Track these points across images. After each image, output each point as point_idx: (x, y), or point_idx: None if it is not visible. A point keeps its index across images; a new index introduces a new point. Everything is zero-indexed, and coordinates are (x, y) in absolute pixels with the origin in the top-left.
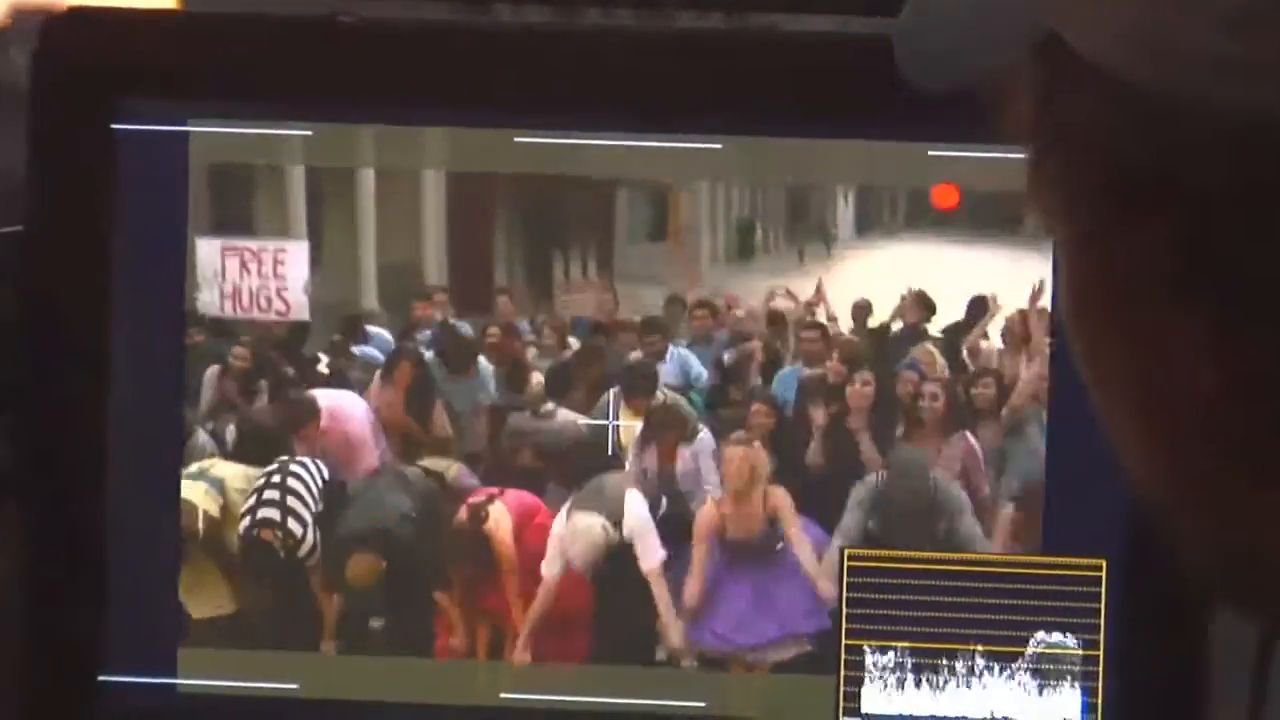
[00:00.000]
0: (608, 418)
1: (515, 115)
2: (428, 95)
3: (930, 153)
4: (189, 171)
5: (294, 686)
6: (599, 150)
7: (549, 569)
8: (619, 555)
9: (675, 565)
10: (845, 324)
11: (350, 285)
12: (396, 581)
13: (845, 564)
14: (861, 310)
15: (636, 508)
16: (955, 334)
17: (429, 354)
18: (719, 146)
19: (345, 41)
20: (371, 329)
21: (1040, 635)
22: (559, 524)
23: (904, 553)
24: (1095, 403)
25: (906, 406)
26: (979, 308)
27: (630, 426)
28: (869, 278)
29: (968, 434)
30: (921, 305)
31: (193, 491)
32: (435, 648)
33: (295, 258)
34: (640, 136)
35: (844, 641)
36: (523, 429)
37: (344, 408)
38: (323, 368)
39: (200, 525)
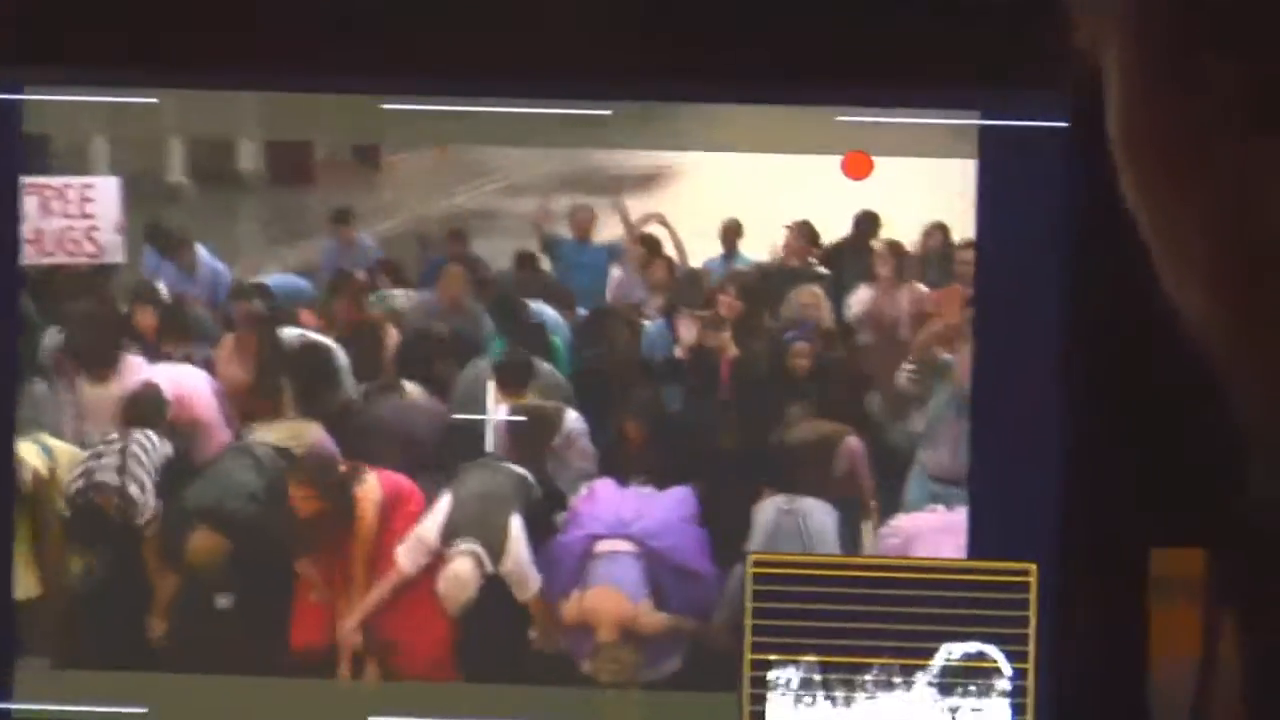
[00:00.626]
0: (482, 408)
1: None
2: (281, 59)
3: (839, 119)
4: (23, 139)
5: (142, 710)
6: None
7: (406, 560)
8: (492, 589)
9: (553, 588)
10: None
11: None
12: (242, 557)
13: (750, 571)
14: (731, 231)
15: (517, 545)
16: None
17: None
18: (609, 112)
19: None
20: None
21: (965, 647)
22: (429, 531)
23: (815, 557)
24: (1161, 254)
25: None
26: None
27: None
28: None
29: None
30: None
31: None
32: (289, 630)
33: (105, 194)
34: (529, 103)
35: (749, 656)
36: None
37: (187, 387)
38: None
39: (31, 486)
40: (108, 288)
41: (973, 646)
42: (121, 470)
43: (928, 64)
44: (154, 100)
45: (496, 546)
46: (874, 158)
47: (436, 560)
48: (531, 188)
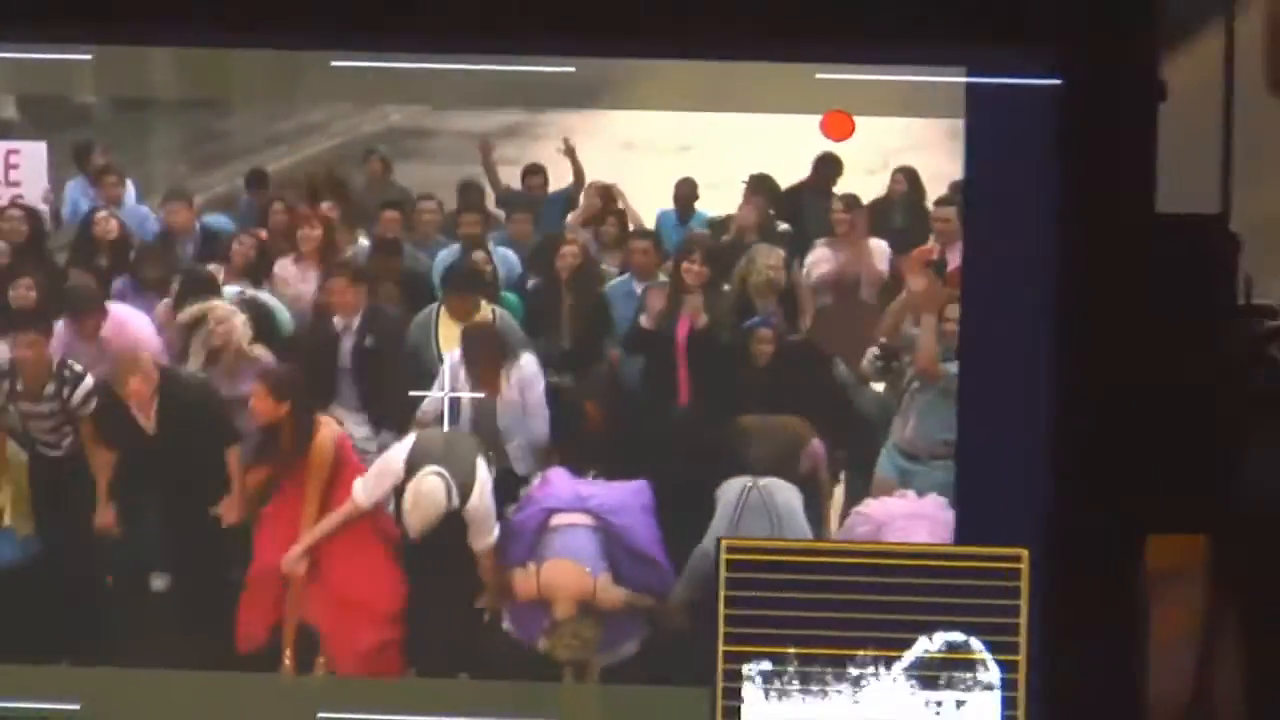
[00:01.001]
0: (430, 332)
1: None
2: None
3: (819, 75)
4: None
5: (75, 707)
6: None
7: (365, 494)
8: (450, 529)
9: (508, 558)
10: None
11: None
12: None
13: (721, 558)
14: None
15: (483, 486)
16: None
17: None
18: (572, 70)
19: None
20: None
21: (950, 637)
22: (394, 461)
23: (789, 542)
24: None
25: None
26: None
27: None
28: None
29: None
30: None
31: None
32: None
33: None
34: (494, 60)
35: (722, 648)
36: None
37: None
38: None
39: None
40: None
41: (956, 636)
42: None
43: (912, 17)
44: (87, 56)
45: (465, 482)
46: (855, 118)
47: (390, 499)
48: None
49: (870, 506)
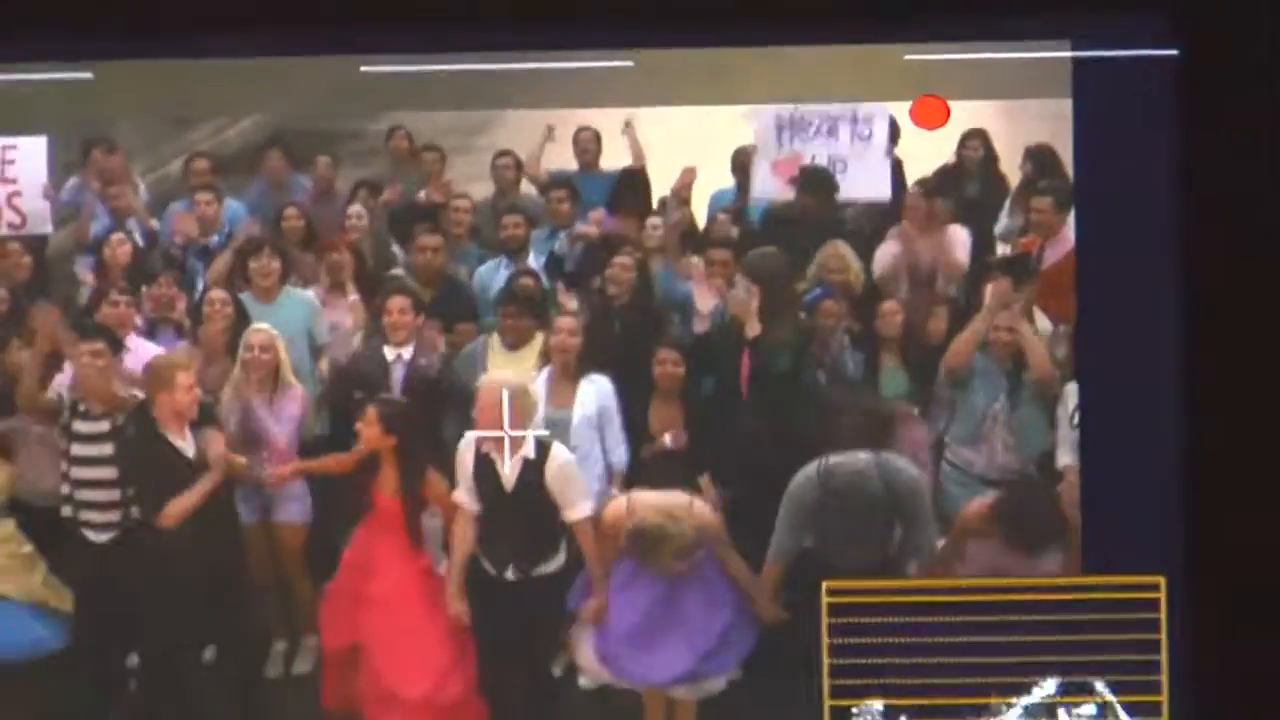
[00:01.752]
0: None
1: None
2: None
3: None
4: None
5: None
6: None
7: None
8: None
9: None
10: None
11: None
12: None
13: (825, 601)
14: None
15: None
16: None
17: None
18: (631, 65)
19: None
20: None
21: (1081, 678)
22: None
23: (897, 583)
24: None
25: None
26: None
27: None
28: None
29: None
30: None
31: None
32: None
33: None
34: (544, 56)
35: (828, 703)
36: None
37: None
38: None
39: None
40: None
41: (1093, 679)
42: None
43: None
44: (88, 75)
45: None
46: (950, 102)
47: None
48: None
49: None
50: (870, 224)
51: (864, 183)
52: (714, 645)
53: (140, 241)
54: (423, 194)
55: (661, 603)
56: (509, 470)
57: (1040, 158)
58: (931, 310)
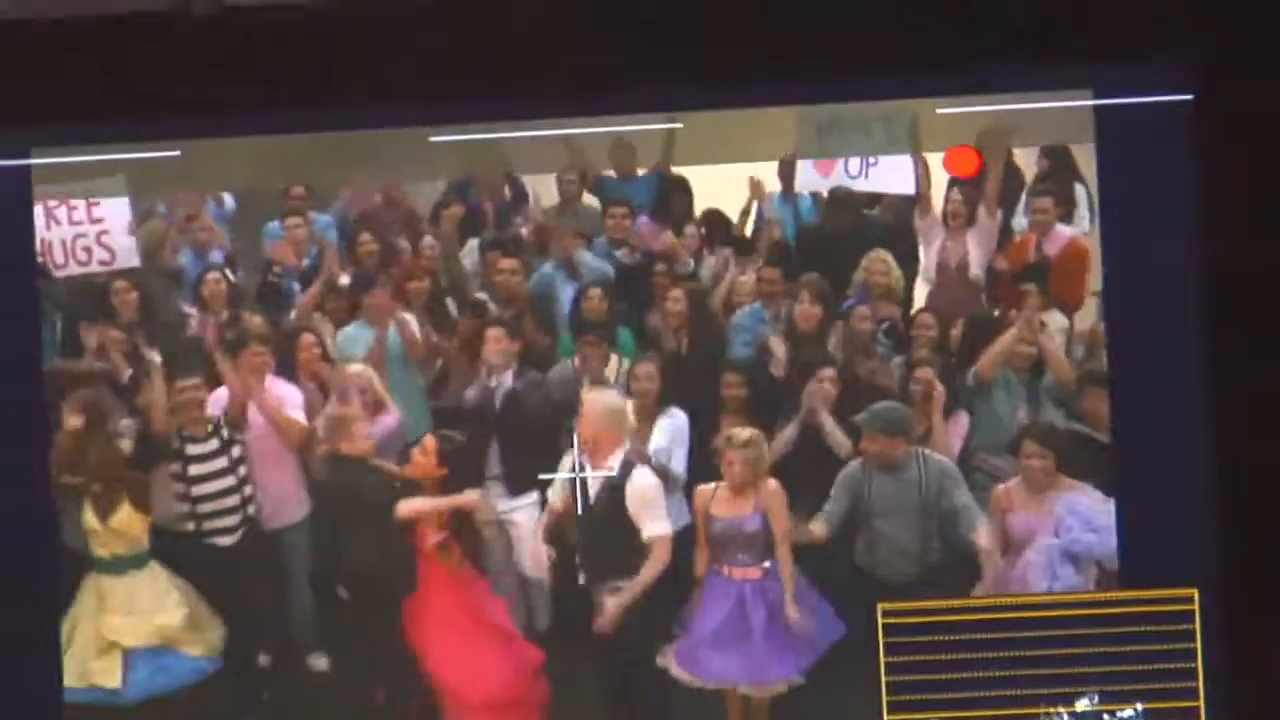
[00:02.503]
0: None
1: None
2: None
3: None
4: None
5: None
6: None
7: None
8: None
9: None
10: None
11: None
12: None
13: (880, 623)
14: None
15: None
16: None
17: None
18: (678, 126)
19: (200, 39)
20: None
21: (1120, 687)
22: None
23: (947, 603)
24: None
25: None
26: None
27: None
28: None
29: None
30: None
31: None
32: None
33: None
34: (587, 122)
35: (886, 717)
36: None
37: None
38: None
39: None
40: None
41: (1135, 688)
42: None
43: (1033, 39)
44: (176, 153)
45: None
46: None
47: None
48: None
49: None
50: (899, 219)
51: (892, 178)
52: (782, 649)
53: (231, 277)
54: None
55: (737, 608)
56: (595, 488)
57: (1055, 155)
58: (958, 314)
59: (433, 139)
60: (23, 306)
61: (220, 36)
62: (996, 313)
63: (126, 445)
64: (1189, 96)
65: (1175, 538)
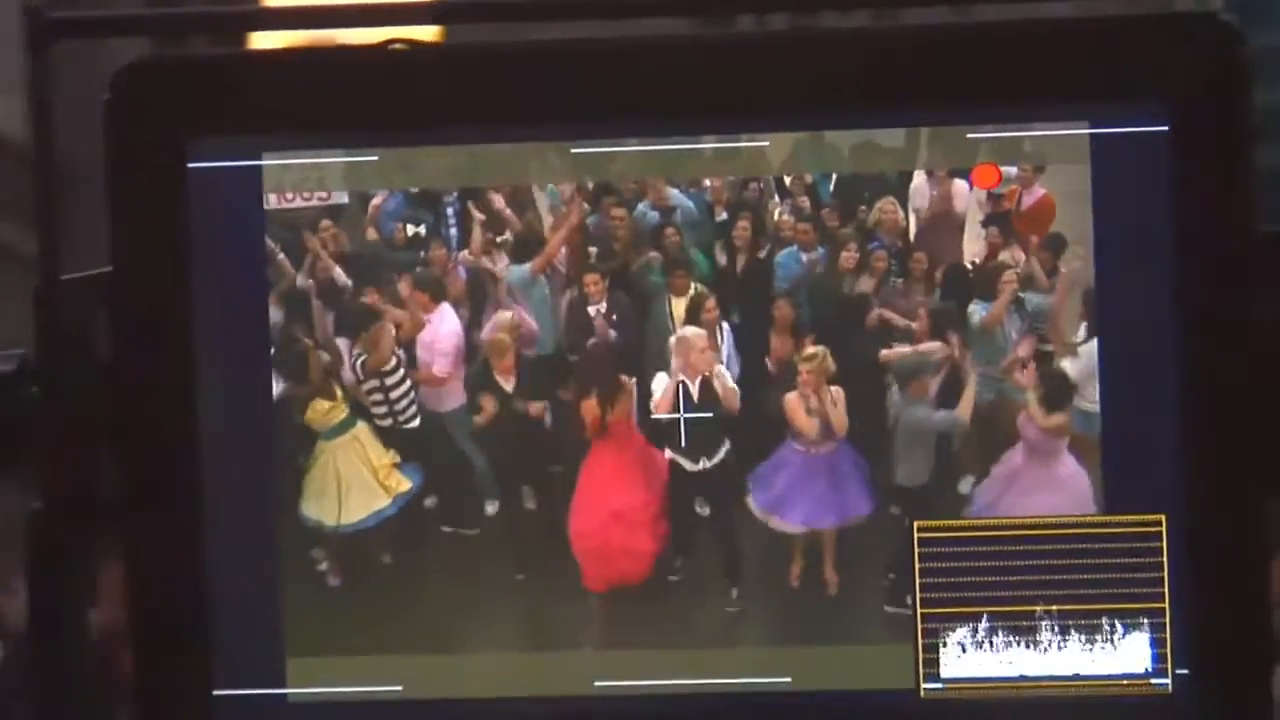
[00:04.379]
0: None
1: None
2: (483, 113)
3: (969, 135)
4: (263, 201)
5: (398, 688)
6: (645, 154)
7: None
8: None
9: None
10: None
11: None
12: None
13: (916, 537)
14: None
15: None
16: None
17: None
18: (766, 144)
19: (398, 69)
20: None
21: (1107, 592)
22: None
23: (972, 521)
24: None
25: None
26: None
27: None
28: None
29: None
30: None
31: None
32: None
33: None
34: (706, 140)
35: (919, 610)
36: None
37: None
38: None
39: None
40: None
41: (1115, 593)
42: None
43: (1043, 81)
44: (374, 157)
45: None
46: (1000, 168)
47: None
48: None
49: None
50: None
51: None
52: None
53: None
54: None
55: (807, 472)
56: (694, 390)
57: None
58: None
59: (574, 150)
60: (253, 270)
61: (409, 67)
62: (976, 260)
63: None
64: (1165, 128)
65: (1151, 464)
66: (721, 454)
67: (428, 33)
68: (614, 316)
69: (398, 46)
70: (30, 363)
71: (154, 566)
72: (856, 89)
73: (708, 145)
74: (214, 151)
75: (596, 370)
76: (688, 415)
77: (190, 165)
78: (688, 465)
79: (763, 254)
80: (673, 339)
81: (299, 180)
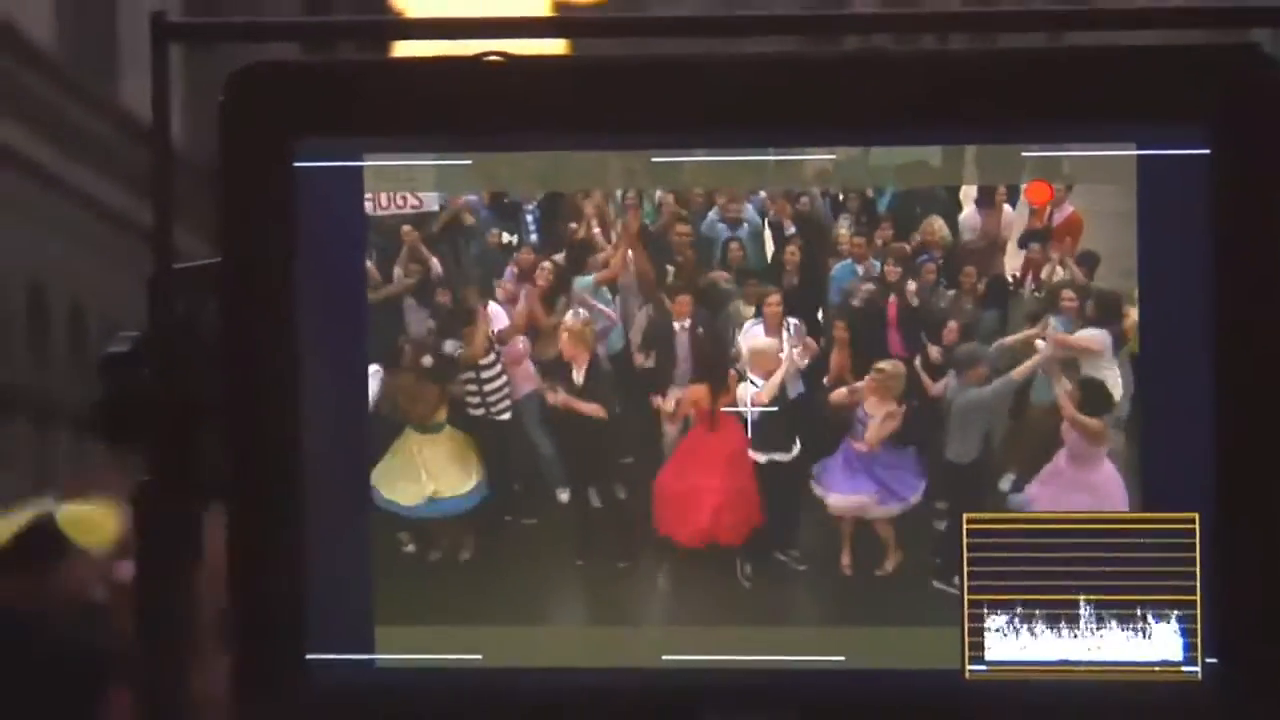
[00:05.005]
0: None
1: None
2: (571, 122)
3: (1024, 154)
4: (364, 200)
5: (478, 657)
6: (719, 164)
7: None
8: None
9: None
10: None
11: None
12: None
13: (965, 528)
14: None
15: None
16: None
17: None
18: (834, 157)
19: (492, 80)
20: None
21: (1143, 584)
22: None
23: (1017, 514)
24: None
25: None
26: None
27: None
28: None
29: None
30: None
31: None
32: None
33: None
34: (778, 151)
35: (967, 597)
36: None
37: None
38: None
39: None
40: None
41: (1150, 584)
42: None
43: (1091, 105)
44: (468, 161)
45: None
46: (1052, 185)
47: None
48: None
49: None
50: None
51: None
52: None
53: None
54: None
55: (865, 464)
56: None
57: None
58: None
59: (654, 159)
60: (353, 264)
61: (500, 79)
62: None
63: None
64: (1206, 151)
65: (1185, 464)
66: (795, 449)
67: (546, 45)
68: (695, 326)
69: (492, 59)
70: (143, 345)
71: (254, 539)
72: (919, 107)
73: (775, 157)
74: (318, 152)
75: (698, 366)
76: (765, 409)
77: (296, 164)
78: (763, 457)
79: (821, 267)
80: (748, 345)
81: (397, 181)
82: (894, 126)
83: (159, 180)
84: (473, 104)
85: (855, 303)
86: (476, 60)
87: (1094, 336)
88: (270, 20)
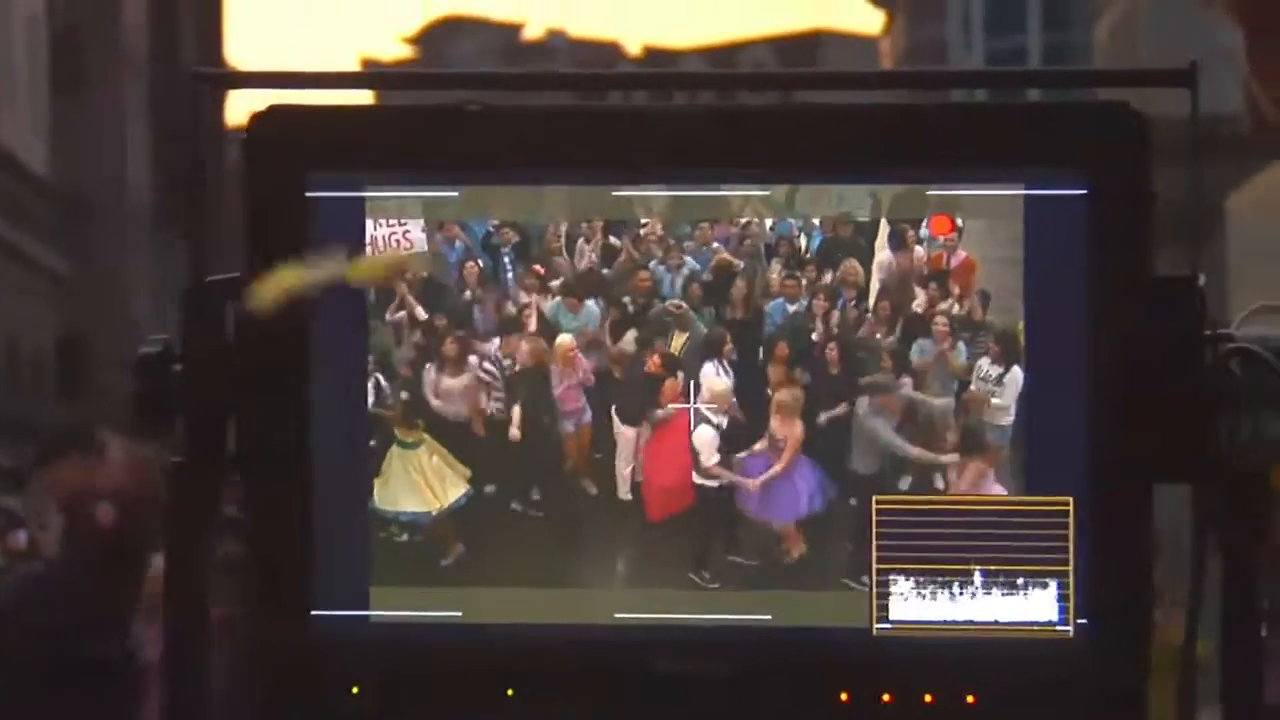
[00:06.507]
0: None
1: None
2: (543, 162)
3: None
4: (365, 226)
5: (458, 614)
6: (675, 198)
7: None
8: None
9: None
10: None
11: None
12: None
13: (874, 508)
14: None
15: None
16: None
17: None
18: (768, 193)
19: (473, 124)
20: None
21: (1024, 556)
22: None
23: (919, 496)
24: None
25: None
26: None
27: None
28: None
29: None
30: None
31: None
32: None
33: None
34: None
35: (875, 565)
36: None
37: None
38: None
39: None
40: None
41: (1030, 557)
42: None
43: (988, 152)
44: (455, 193)
45: None
46: (955, 219)
47: None
48: None
49: None
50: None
51: None
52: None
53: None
54: None
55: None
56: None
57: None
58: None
59: (615, 193)
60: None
61: (483, 122)
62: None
63: None
64: (1084, 191)
65: (1058, 461)
66: (721, 451)
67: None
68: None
69: (472, 107)
70: (172, 346)
71: (267, 512)
72: (836, 153)
73: (714, 193)
74: (327, 184)
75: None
76: (708, 418)
77: (308, 194)
78: (704, 456)
79: (756, 304)
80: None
81: (395, 210)
82: (820, 168)
83: (191, 205)
84: (458, 145)
85: (785, 336)
86: (458, 109)
87: (1016, 378)
88: (298, 73)
